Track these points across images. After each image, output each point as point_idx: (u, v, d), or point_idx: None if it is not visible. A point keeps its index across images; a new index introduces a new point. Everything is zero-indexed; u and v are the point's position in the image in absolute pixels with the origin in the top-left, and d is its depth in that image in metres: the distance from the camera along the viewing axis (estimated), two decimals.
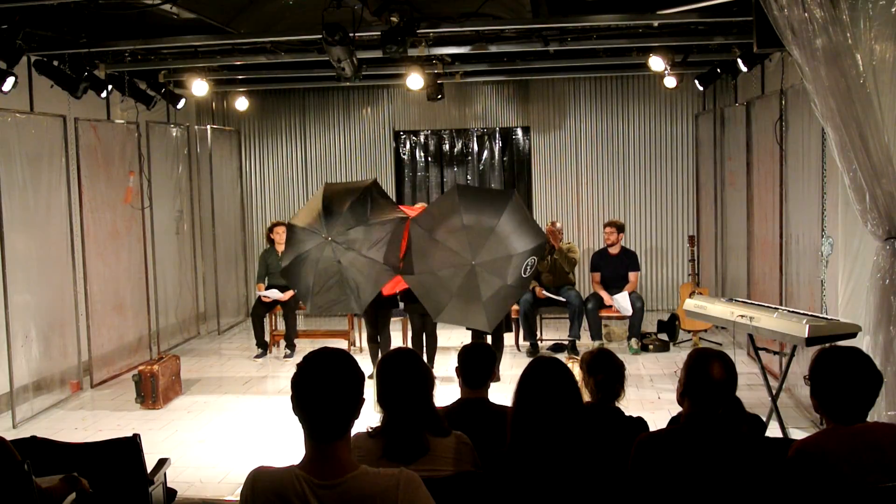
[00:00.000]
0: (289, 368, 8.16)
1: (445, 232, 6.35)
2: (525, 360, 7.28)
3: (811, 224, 6.38)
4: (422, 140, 11.38)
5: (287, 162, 11.50)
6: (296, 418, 2.23)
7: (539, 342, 8.91)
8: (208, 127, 10.62)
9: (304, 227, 6.72)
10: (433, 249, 6.39)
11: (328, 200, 6.70)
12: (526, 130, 11.21)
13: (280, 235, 8.12)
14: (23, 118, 7.16)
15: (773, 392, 5.62)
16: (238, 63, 8.37)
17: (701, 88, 9.19)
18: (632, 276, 8.87)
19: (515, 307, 8.36)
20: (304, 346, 9.00)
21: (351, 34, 6.34)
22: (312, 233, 6.63)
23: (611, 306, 8.69)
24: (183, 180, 10.13)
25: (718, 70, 8.76)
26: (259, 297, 9.05)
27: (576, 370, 3.72)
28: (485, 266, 6.20)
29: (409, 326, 7.86)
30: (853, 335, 4.86)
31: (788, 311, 5.46)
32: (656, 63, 7.92)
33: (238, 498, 2.31)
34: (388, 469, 2.26)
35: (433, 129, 11.32)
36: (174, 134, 9.91)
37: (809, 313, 5.35)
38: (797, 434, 5.46)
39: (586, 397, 3.70)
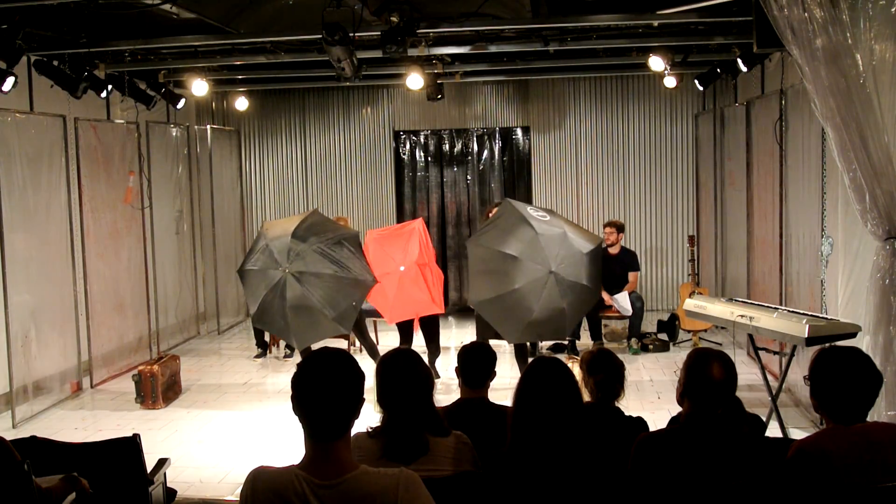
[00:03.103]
0: (289, 368, 8.17)
1: (519, 244, 6.22)
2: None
3: (811, 224, 6.38)
4: (422, 140, 11.38)
5: (287, 162, 11.50)
6: (296, 418, 2.23)
7: (539, 342, 8.90)
8: (208, 127, 10.62)
9: (257, 269, 6.67)
10: (508, 266, 6.20)
11: (272, 235, 6.69)
12: (526, 130, 11.21)
13: None
14: (23, 118, 7.16)
15: (773, 392, 5.62)
16: (238, 63, 8.37)
17: (701, 88, 9.19)
18: (631, 276, 8.87)
19: None
20: None
21: (351, 34, 6.34)
22: (266, 271, 6.58)
23: (611, 306, 8.69)
24: (183, 180, 10.13)
25: (718, 70, 8.75)
26: None
27: (576, 370, 3.72)
28: (563, 271, 6.13)
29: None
30: (853, 335, 4.86)
31: (788, 311, 5.47)
32: (656, 63, 7.92)
33: (238, 498, 2.31)
34: (388, 469, 2.26)
35: (433, 129, 11.32)
36: (174, 134, 9.91)
37: (809, 313, 5.35)
38: (797, 434, 5.46)
39: (586, 397, 3.70)
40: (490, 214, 7.37)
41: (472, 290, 6.52)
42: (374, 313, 7.90)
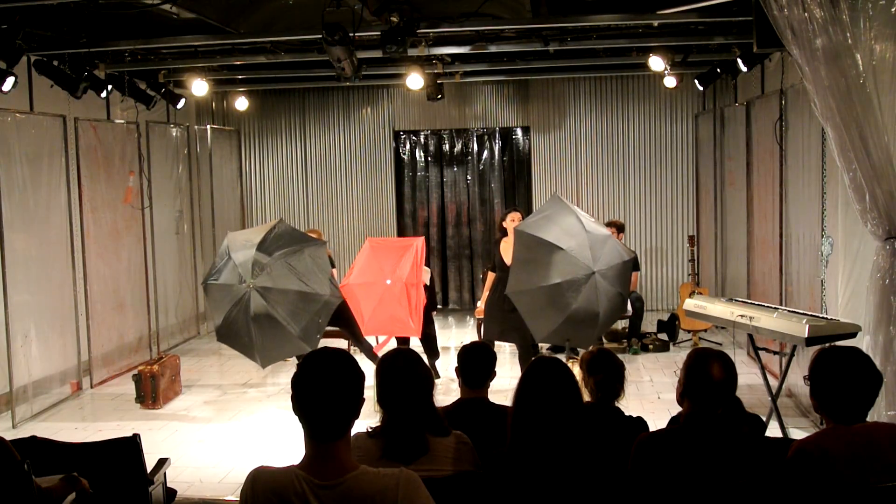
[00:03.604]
0: (289, 369, 8.16)
1: (567, 236, 6.14)
2: None
3: (811, 224, 6.38)
4: (422, 140, 11.38)
5: (287, 162, 11.50)
6: (296, 418, 2.23)
7: (539, 342, 8.89)
8: (208, 127, 10.62)
9: (220, 284, 6.49)
10: (554, 257, 6.10)
11: (236, 248, 6.50)
12: (526, 130, 11.21)
13: None
14: (23, 118, 7.16)
15: (773, 392, 5.62)
16: (238, 63, 8.37)
17: (701, 88, 9.19)
18: (632, 276, 8.85)
19: None
20: None
21: (351, 34, 6.34)
22: (231, 286, 6.38)
23: None
24: (183, 180, 10.13)
25: (718, 70, 8.75)
26: None
27: (576, 370, 3.72)
28: (604, 275, 6.08)
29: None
30: (853, 335, 4.86)
31: (788, 311, 5.47)
32: (656, 63, 7.92)
33: (238, 498, 2.31)
34: (388, 469, 2.26)
35: (433, 129, 11.32)
36: (174, 134, 9.91)
37: (809, 313, 5.35)
38: (797, 434, 5.46)
39: (586, 397, 3.70)
40: (504, 225, 7.28)
41: (512, 279, 6.33)
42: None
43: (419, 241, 7.35)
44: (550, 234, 6.22)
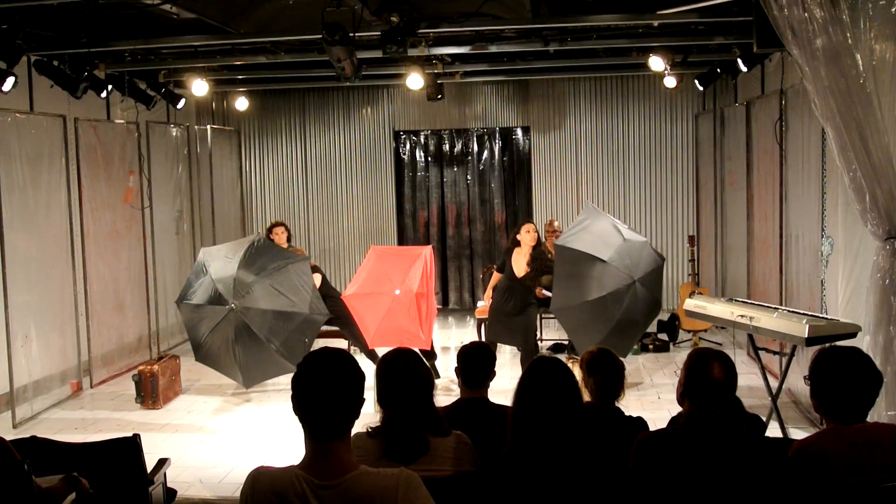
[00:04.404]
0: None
1: (606, 246, 6.12)
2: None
3: (811, 224, 6.38)
4: (422, 140, 11.38)
5: (287, 162, 11.50)
6: (296, 418, 2.23)
7: (539, 342, 8.90)
8: (208, 127, 10.62)
9: (199, 304, 6.35)
10: (597, 270, 6.06)
11: (216, 267, 6.36)
12: (526, 130, 11.21)
13: (280, 236, 8.12)
14: (23, 118, 7.16)
15: (773, 392, 5.62)
16: (238, 63, 8.37)
17: (701, 88, 9.19)
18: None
19: None
20: None
21: (351, 34, 6.34)
22: (211, 307, 6.26)
23: None
24: (183, 180, 10.13)
25: (718, 70, 8.76)
26: None
27: (576, 370, 3.72)
28: (644, 282, 6.07)
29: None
30: (853, 335, 4.86)
31: (788, 311, 5.47)
32: (656, 63, 7.92)
33: (238, 498, 2.31)
34: (388, 469, 2.26)
35: (433, 129, 11.32)
36: (174, 134, 9.91)
37: (809, 313, 5.35)
38: (797, 434, 5.46)
39: (586, 397, 3.70)
40: (518, 237, 7.26)
41: (555, 295, 6.24)
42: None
43: (427, 251, 6.97)
44: (590, 246, 6.20)
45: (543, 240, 8.21)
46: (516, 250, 7.31)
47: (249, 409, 7.22)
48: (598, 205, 10.95)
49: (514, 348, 8.70)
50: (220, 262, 6.46)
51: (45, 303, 7.36)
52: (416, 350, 3.51)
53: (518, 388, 2.99)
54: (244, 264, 6.34)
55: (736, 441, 2.85)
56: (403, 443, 2.97)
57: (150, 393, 7.21)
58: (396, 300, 6.62)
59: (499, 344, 7.56)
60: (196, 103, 10.80)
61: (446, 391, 7.20)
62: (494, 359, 3.88)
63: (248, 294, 6.23)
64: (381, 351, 7.55)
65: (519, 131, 11.26)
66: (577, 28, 7.23)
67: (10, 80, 6.64)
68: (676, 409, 3.10)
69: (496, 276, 7.57)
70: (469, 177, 11.34)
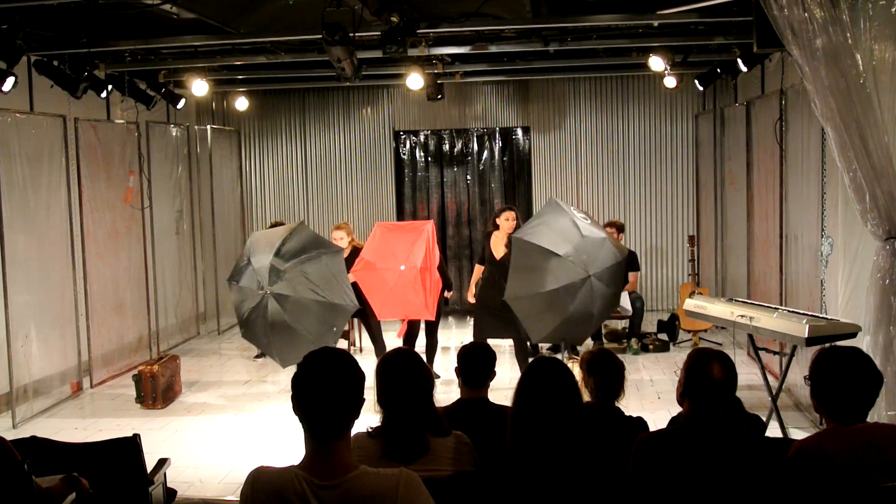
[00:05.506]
0: (289, 369, 8.15)
1: (563, 241, 6.23)
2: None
3: (811, 224, 6.38)
4: (422, 140, 11.38)
5: (287, 162, 11.50)
6: (296, 418, 2.23)
7: (536, 342, 8.89)
8: (208, 127, 10.62)
9: (242, 287, 6.59)
10: (551, 264, 6.19)
11: (256, 253, 6.59)
12: (526, 130, 11.21)
13: None
14: (23, 118, 7.16)
15: (773, 392, 5.62)
16: (238, 63, 8.37)
17: (701, 88, 9.19)
18: (631, 276, 8.84)
19: None
20: None
21: (351, 34, 6.34)
22: (250, 290, 6.50)
23: None
24: (183, 180, 10.13)
25: (718, 70, 8.76)
26: None
27: (576, 370, 3.72)
28: (599, 276, 6.14)
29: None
30: (853, 335, 4.86)
31: (788, 311, 5.47)
32: (656, 63, 7.92)
33: (238, 498, 2.31)
34: (388, 469, 2.26)
35: (433, 129, 11.32)
36: (174, 134, 9.91)
37: (809, 313, 5.35)
38: (797, 434, 5.46)
39: (586, 397, 3.70)
40: (497, 221, 7.35)
41: (510, 285, 6.42)
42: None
43: (429, 225, 7.34)
44: (546, 241, 6.28)
45: None
46: (494, 234, 7.36)
47: (249, 409, 7.22)
48: (597, 205, 10.97)
49: (514, 349, 8.70)
50: (263, 246, 6.67)
51: (45, 303, 7.36)
52: (417, 352, 3.51)
53: (518, 389, 2.99)
54: (281, 252, 6.54)
55: (736, 441, 2.85)
56: (403, 443, 2.97)
57: (150, 393, 7.21)
58: (402, 275, 6.98)
59: (499, 344, 7.56)
60: (196, 103, 10.80)
61: (446, 390, 7.20)
62: (495, 359, 3.88)
63: (281, 281, 6.44)
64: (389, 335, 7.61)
65: (519, 131, 11.26)
66: (577, 28, 7.23)
67: (10, 80, 6.64)
68: (676, 409, 3.10)
69: (478, 270, 7.64)
70: (469, 177, 11.34)
